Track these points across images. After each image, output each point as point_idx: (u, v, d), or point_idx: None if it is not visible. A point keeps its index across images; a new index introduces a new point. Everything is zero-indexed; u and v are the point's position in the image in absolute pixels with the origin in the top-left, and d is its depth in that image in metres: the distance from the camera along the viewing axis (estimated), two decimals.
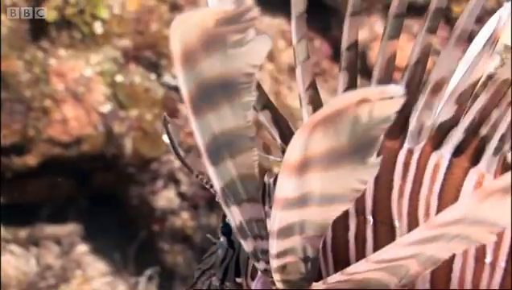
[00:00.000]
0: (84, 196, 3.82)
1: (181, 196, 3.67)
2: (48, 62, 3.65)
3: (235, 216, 1.43)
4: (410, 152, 1.58)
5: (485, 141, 1.55)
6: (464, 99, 1.57)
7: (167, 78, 1.84)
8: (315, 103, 1.62)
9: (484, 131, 1.55)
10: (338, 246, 1.61)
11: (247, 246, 1.47)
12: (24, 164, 3.66)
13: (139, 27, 3.65)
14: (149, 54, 3.65)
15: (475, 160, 1.56)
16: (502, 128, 1.54)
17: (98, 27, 3.64)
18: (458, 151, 1.57)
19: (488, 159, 1.55)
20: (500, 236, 1.52)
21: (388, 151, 1.58)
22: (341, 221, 1.59)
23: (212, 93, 1.31)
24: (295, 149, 1.27)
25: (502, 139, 1.54)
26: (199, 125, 1.31)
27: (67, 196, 3.80)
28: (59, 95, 3.63)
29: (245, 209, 1.43)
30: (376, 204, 1.59)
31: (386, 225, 1.59)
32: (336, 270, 1.58)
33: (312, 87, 1.63)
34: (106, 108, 3.64)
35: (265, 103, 1.66)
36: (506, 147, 1.54)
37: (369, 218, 1.59)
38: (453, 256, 1.47)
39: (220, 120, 1.32)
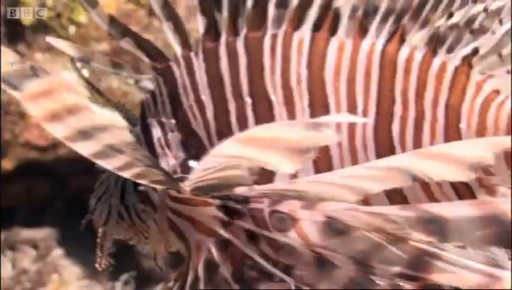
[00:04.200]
0: (61, 200, 3.81)
1: None
2: None
3: None
4: (275, 36, 1.81)
5: (338, 13, 1.79)
6: None
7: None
8: (174, 19, 1.85)
9: (336, 4, 1.79)
10: (222, 131, 1.80)
11: None
12: (0, 168, 3.65)
13: None
14: (127, 58, 3.65)
15: (333, 30, 1.80)
16: None
17: (74, 31, 3.64)
18: (317, 27, 1.80)
19: (344, 27, 1.79)
20: (367, 86, 1.78)
21: (253, 41, 1.81)
22: (221, 108, 1.80)
23: None
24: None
25: (354, 8, 1.78)
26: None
27: (43, 200, 3.79)
28: None
29: None
30: (251, 86, 1.80)
31: (264, 101, 1.79)
32: None
33: (168, 5, 1.85)
34: None
35: (123, 32, 1.89)
36: (359, 13, 1.78)
37: (247, 100, 1.80)
38: (328, 110, 1.77)
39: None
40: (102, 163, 1.46)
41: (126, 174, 1.50)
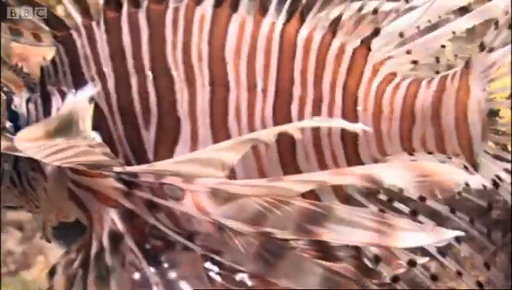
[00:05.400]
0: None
1: None
2: (11, 45, 3.61)
3: None
4: (177, 10, 1.80)
5: None
6: None
7: None
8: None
9: None
10: (123, 105, 1.82)
11: None
12: None
13: None
14: None
15: (235, 8, 1.80)
16: None
17: (62, 11, 3.62)
18: (218, 3, 1.80)
19: (246, 5, 1.79)
20: (267, 65, 1.78)
21: (155, 14, 1.80)
22: (123, 81, 1.80)
23: None
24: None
25: None
26: None
27: None
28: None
29: None
30: (153, 60, 1.79)
31: (165, 76, 1.79)
32: (124, 125, 1.82)
33: None
34: None
35: (21, 0, 1.90)
36: None
37: (149, 74, 1.79)
38: (228, 88, 1.78)
39: None
40: None
41: None
